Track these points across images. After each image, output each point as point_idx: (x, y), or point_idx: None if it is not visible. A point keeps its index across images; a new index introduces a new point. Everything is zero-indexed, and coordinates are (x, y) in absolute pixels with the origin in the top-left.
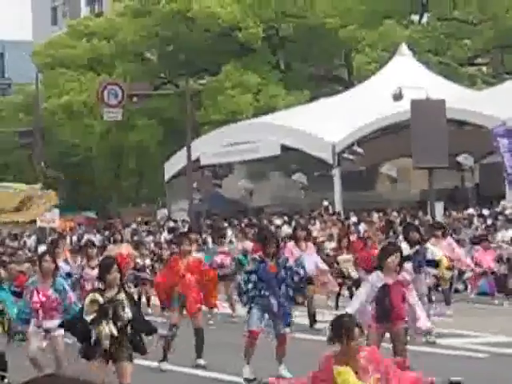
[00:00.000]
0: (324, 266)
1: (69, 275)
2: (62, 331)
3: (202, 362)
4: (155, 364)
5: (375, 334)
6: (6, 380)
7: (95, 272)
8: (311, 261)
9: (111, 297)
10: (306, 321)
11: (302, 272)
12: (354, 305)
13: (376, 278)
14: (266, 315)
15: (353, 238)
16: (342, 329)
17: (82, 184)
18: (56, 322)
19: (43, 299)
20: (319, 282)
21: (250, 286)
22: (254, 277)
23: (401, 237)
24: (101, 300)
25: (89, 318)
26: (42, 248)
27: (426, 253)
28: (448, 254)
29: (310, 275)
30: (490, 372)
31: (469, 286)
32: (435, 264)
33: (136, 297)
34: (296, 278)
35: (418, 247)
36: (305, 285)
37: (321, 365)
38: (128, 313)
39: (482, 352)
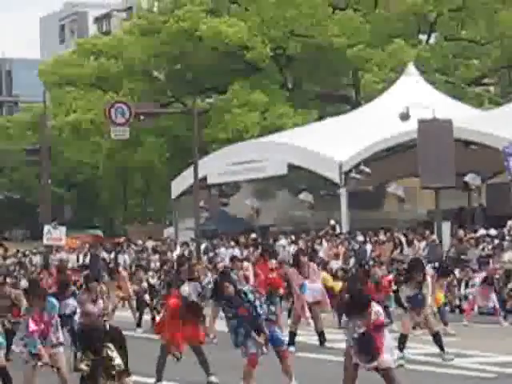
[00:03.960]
0: (324, 297)
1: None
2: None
3: (213, 379)
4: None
5: None
6: None
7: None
8: (313, 288)
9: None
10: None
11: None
12: None
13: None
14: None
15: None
16: None
17: (88, 202)
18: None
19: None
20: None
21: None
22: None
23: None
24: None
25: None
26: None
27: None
28: None
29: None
30: None
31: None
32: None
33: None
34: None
35: (417, 291)
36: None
37: None
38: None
39: (489, 372)
